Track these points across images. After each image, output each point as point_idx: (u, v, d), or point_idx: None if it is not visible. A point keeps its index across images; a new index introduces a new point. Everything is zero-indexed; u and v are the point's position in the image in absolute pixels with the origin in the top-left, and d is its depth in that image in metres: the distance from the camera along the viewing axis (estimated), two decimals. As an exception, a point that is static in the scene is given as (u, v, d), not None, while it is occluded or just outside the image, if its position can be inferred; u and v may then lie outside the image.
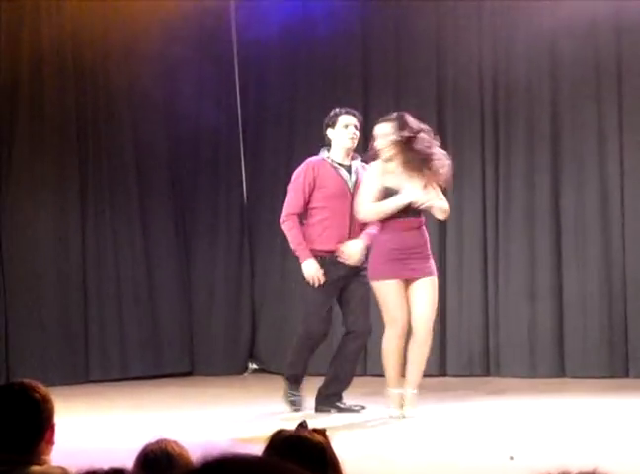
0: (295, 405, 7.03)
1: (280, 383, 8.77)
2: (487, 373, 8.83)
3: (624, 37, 8.62)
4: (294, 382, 7.14)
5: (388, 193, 6.66)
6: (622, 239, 8.66)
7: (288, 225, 7.03)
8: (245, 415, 6.98)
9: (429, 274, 6.73)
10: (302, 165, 7.10)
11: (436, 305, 6.87)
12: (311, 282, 6.88)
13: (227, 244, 9.64)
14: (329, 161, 7.01)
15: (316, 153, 7.33)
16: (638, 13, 8.46)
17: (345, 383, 7.06)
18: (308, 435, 2.55)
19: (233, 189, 9.64)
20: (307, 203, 7.00)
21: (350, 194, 6.94)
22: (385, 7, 9.21)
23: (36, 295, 8.79)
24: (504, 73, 8.94)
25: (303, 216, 7.09)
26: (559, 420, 6.48)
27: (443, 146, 8.22)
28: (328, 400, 7.01)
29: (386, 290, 6.62)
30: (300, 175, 7.00)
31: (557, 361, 8.69)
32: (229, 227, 9.66)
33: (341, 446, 2.81)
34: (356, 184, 6.94)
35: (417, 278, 6.67)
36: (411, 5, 9.13)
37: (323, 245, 6.94)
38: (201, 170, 9.66)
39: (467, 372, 8.80)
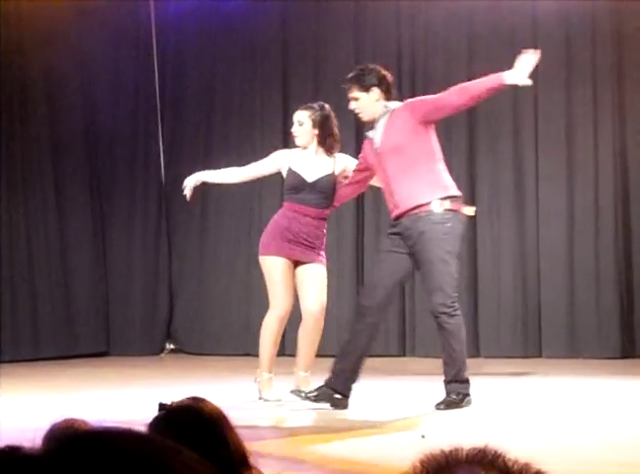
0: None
1: (197, 362, 8.79)
2: (402, 354, 8.94)
3: (540, 13, 8.69)
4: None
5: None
6: (536, 222, 8.79)
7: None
8: (161, 395, 6.92)
9: (319, 261, 6.58)
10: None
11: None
12: None
13: (144, 223, 9.60)
14: (368, 134, 6.42)
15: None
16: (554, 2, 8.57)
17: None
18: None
19: (151, 168, 9.59)
20: None
21: (376, 155, 6.26)
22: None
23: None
24: (422, 61, 9.01)
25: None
26: (473, 399, 6.54)
27: (360, 130, 8.26)
28: None
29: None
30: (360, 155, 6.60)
31: (472, 341, 8.75)
32: (146, 206, 9.63)
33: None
34: (383, 136, 6.22)
35: (306, 263, 6.55)
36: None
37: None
38: (119, 151, 9.59)
39: (384, 352, 8.85)
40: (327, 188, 6.57)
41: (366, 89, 6.28)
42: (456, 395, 6.14)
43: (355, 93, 6.31)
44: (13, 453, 1.61)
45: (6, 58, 8.94)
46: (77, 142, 9.31)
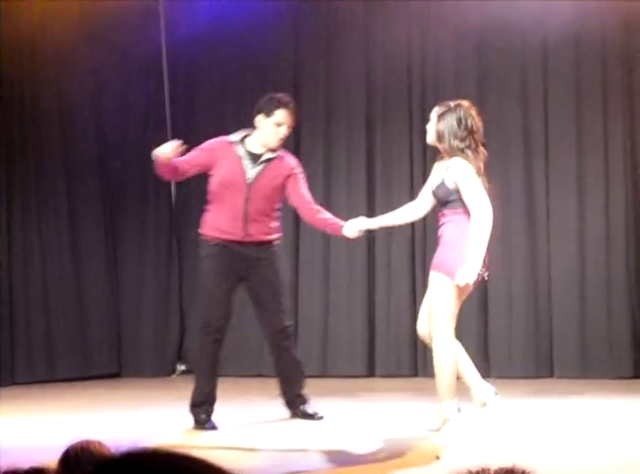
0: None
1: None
2: (415, 374, 8.87)
3: (550, 32, 8.68)
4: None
5: None
6: (547, 239, 8.72)
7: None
8: (173, 417, 6.88)
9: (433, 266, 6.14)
10: (213, 141, 6.59)
11: (441, 305, 6.03)
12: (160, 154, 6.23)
13: (155, 243, 9.57)
14: (236, 148, 6.48)
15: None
16: (563, 11, 8.50)
17: (297, 385, 6.71)
18: None
19: (161, 189, 9.51)
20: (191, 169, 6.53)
21: (246, 186, 6.41)
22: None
23: (-41, 295, 8.65)
24: (432, 69, 8.99)
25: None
26: (485, 420, 6.38)
27: (371, 145, 8.19)
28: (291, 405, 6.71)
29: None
30: (205, 146, 6.52)
31: (483, 361, 8.69)
32: (157, 227, 9.59)
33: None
34: (260, 176, 6.43)
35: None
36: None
37: (213, 232, 6.46)
38: (130, 173, 9.57)
39: (395, 373, 8.82)
40: None
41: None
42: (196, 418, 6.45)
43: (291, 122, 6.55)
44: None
45: (19, 87, 8.99)
46: (90, 167, 9.35)
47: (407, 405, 7.28)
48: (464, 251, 5.91)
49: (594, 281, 8.62)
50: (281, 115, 6.48)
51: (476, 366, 8.54)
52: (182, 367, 9.50)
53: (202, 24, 9.12)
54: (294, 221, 8.99)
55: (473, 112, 6.09)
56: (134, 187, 9.57)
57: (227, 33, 9.19)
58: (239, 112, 9.28)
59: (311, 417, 6.62)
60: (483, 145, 6.16)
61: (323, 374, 8.92)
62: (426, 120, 8.93)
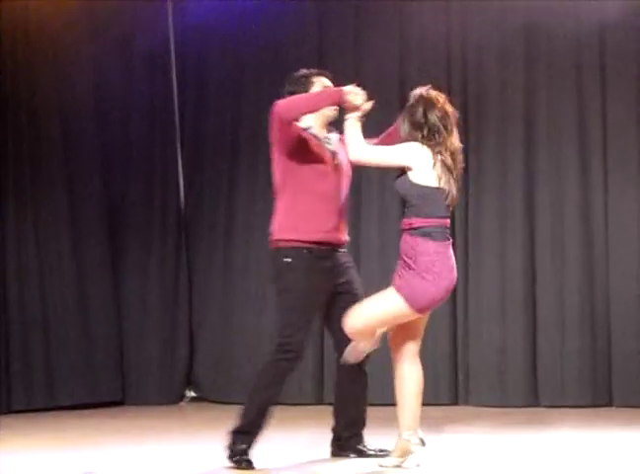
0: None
1: (221, 412, 8.36)
2: (455, 401, 8.50)
3: (607, 32, 8.33)
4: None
5: None
6: (605, 248, 8.33)
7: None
8: (183, 450, 6.45)
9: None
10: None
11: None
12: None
13: (162, 256, 9.27)
14: (311, 132, 5.56)
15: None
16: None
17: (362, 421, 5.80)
18: None
19: (169, 192, 9.23)
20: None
21: (333, 165, 5.55)
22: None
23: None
24: (474, 54, 8.58)
25: (277, 197, 5.65)
26: (534, 454, 5.93)
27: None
28: (348, 443, 5.78)
29: None
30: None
31: (530, 388, 8.35)
32: (164, 237, 9.30)
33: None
34: (338, 154, 5.58)
35: None
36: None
37: (302, 234, 5.48)
38: (135, 175, 9.27)
39: (434, 400, 8.21)
40: None
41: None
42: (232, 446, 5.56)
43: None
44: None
45: (13, 80, 8.74)
46: (92, 171, 9.10)
47: (447, 437, 6.59)
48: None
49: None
50: (321, 80, 5.71)
51: (524, 393, 8.17)
52: (191, 394, 9.30)
53: (214, 12, 8.90)
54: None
55: (442, 100, 5.40)
56: (139, 190, 9.23)
57: (242, 21, 8.93)
58: (256, 110, 8.79)
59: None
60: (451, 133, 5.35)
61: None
62: (469, 112, 8.43)
